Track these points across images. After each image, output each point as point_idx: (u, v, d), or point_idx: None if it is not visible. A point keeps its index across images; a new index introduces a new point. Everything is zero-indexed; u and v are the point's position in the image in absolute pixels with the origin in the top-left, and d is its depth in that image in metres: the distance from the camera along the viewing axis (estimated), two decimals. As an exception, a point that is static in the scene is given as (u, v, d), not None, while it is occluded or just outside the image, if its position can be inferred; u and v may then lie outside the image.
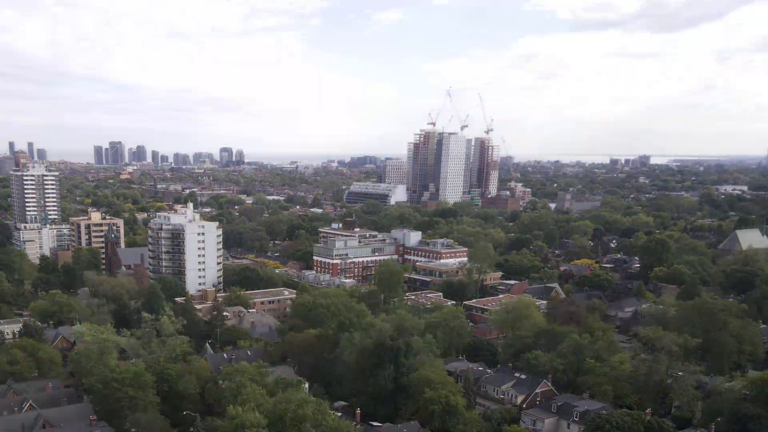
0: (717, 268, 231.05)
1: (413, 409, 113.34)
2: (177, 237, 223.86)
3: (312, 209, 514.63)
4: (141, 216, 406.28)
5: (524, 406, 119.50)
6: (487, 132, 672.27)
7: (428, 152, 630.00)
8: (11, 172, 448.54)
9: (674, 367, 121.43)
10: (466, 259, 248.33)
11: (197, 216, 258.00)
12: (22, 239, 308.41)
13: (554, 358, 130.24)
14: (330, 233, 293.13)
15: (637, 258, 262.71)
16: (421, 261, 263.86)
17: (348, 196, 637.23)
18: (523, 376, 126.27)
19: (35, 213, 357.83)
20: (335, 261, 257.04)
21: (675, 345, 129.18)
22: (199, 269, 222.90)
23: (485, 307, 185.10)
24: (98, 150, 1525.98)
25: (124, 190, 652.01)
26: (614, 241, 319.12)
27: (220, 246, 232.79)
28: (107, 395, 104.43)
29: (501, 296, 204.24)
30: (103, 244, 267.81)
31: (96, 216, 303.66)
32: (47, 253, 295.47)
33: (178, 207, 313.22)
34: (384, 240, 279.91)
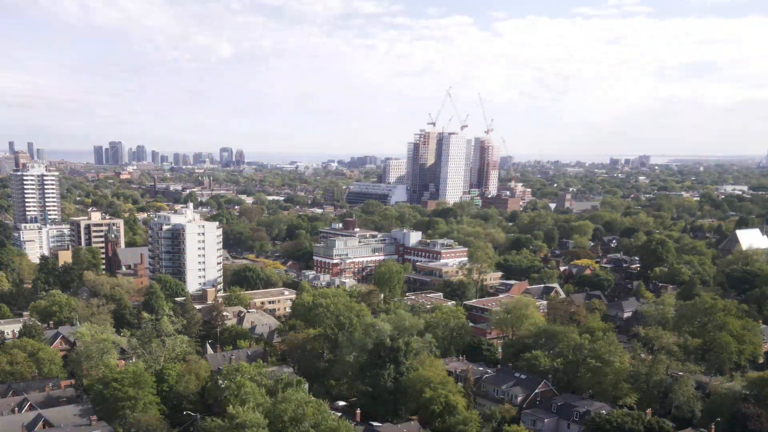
0: (717, 268, 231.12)
1: (413, 409, 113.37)
2: (177, 237, 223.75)
3: (312, 209, 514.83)
4: (141, 216, 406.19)
5: (524, 406, 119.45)
6: (487, 132, 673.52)
7: (428, 152, 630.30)
8: (11, 172, 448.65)
9: (674, 367, 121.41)
10: (466, 259, 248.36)
11: (197, 216, 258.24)
12: (22, 239, 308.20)
13: (554, 358, 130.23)
14: (330, 233, 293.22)
15: (637, 258, 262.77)
16: (420, 261, 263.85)
17: (348, 196, 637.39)
18: (523, 376, 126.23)
19: (35, 213, 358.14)
20: (335, 261, 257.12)
21: (675, 345, 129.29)
22: (199, 269, 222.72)
23: (485, 307, 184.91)
24: (98, 150, 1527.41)
25: (123, 190, 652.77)
26: (614, 241, 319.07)
27: (220, 246, 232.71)
28: (107, 395, 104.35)
29: (501, 296, 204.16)
30: (103, 244, 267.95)
31: (96, 216, 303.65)
32: (47, 253, 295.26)
33: (178, 207, 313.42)
34: (384, 240, 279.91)
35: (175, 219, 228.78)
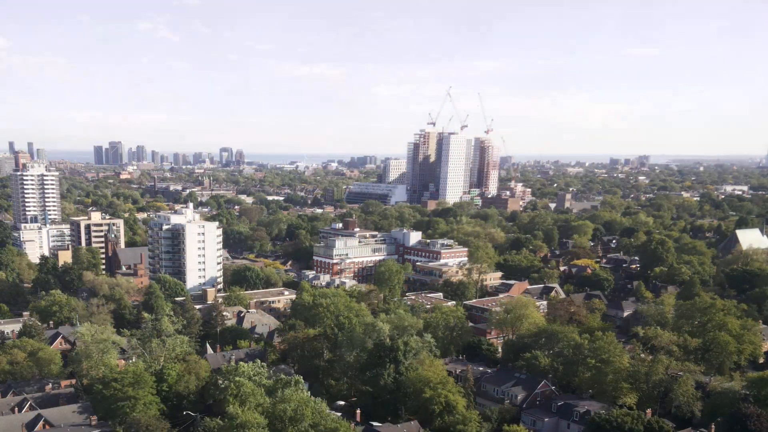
0: (717, 268, 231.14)
1: (413, 408, 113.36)
2: (177, 237, 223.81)
3: (312, 209, 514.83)
4: (141, 216, 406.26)
5: (524, 406, 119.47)
6: (486, 132, 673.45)
7: (428, 152, 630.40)
8: (11, 172, 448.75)
9: (674, 367, 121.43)
10: (465, 259, 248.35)
11: (197, 216, 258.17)
12: (22, 239, 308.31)
13: (554, 358, 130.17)
14: (330, 233, 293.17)
15: (636, 258, 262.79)
16: (420, 261, 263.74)
17: (348, 196, 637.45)
18: (523, 376, 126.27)
19: (35, 213, 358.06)
20: (335, 261, 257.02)
21: (675, 345, 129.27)
22: (199, 269, 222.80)
23: (485, 307, 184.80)
24: (98, 150, 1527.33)
25: (123, 190, 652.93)
26: (614, 241, 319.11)
27: (220, 246, 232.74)
28: (107, 395, 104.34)
29: (501, 296, 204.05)
30: (103, 244, 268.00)
31: (96, 216, 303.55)
32: (47, 253, 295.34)
33: (177, 207, 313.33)
34: (383, 240, 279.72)
35: (175, 219, 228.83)
